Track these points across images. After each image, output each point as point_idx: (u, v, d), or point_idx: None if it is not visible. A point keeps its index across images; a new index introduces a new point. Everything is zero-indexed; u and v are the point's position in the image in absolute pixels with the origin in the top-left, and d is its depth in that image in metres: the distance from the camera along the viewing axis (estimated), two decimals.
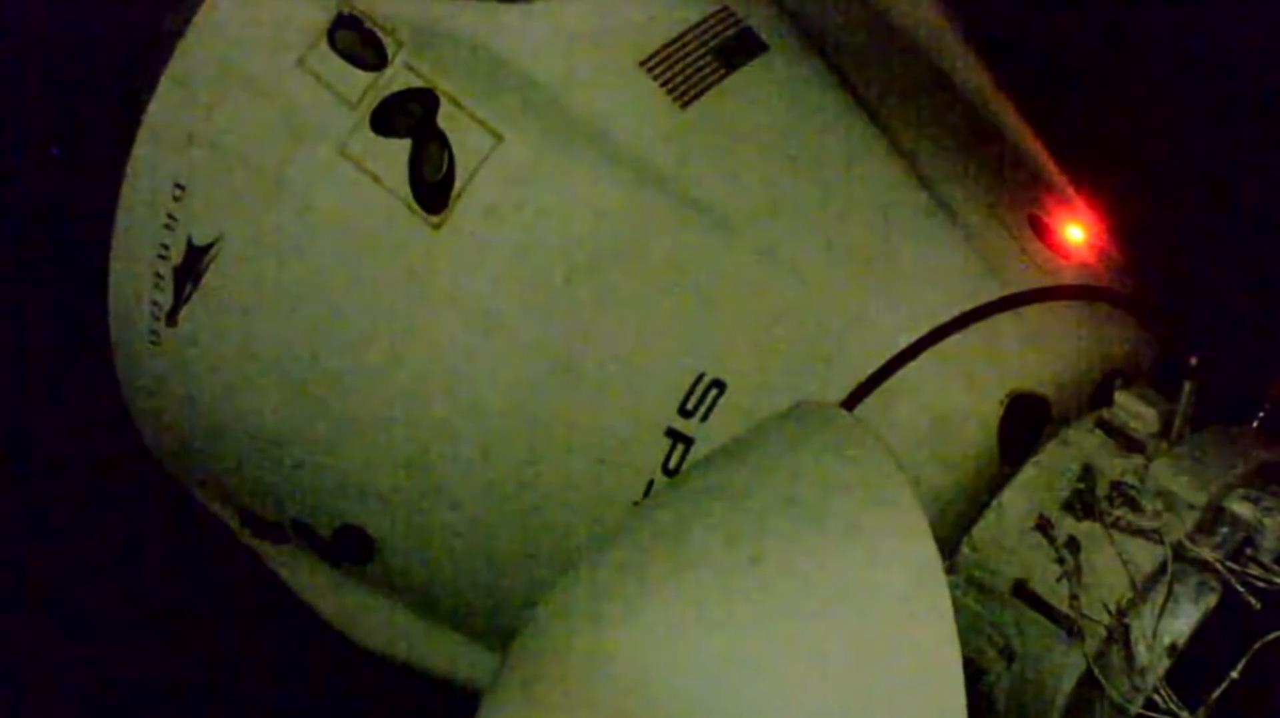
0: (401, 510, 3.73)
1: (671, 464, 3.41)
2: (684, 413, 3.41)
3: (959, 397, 3.37)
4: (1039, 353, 3.43)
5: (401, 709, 4.45)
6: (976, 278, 3.47)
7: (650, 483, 3.44)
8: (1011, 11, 4.67)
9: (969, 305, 3.43)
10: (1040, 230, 3.64)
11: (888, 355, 3.38)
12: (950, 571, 3.33)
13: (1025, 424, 3.39)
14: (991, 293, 3.45)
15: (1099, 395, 3.47)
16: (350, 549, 3.89)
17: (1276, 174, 5.06)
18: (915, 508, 2.81)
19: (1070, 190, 3.84)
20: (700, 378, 3.41)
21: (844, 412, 3.27)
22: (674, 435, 3.42)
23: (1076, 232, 3.69)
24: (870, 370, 3.38)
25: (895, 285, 3.45)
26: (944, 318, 3.40)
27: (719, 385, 3.40)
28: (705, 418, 3.40)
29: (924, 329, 3.39)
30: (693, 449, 3.40)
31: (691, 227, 3.47)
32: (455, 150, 3.53)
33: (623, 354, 3.45)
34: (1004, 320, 3.43)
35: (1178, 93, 5.24)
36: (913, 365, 3.38)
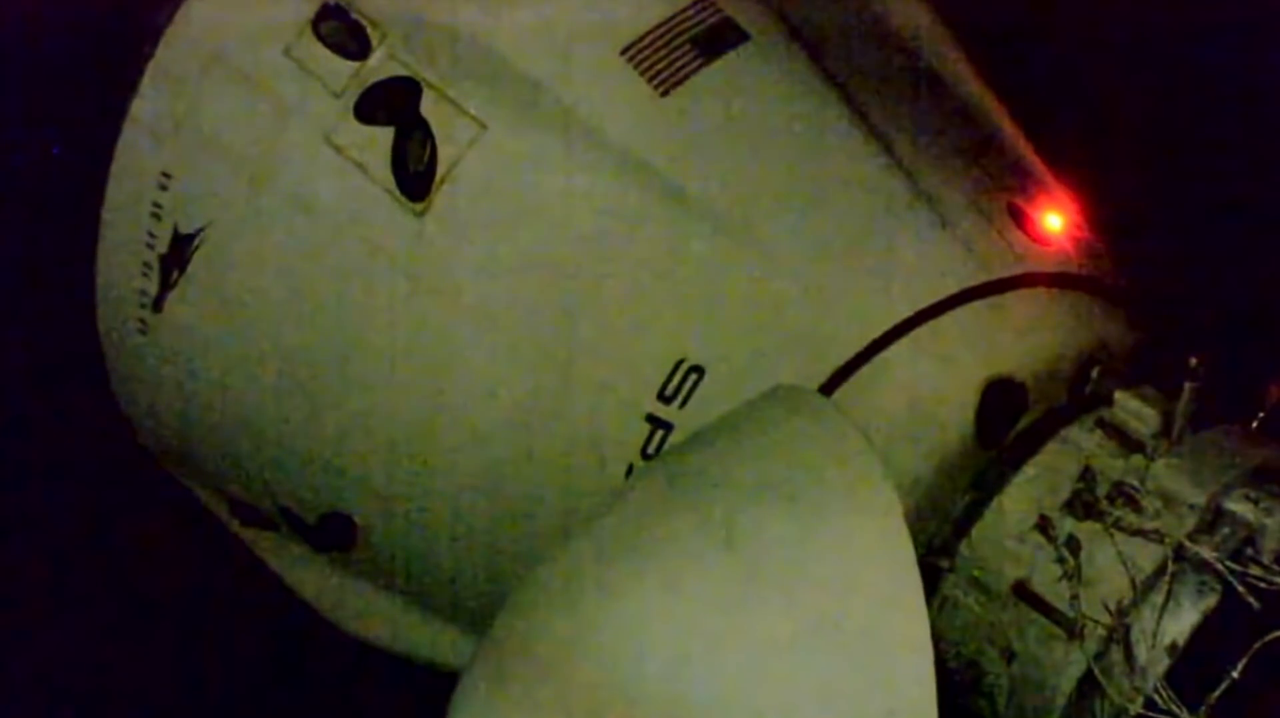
0: (385, 496, 3.76)
1: (651, 449, 3.44)
2: (663, 398, 3.43)
3: (937, 382, 3.40)
4: (1017, 339, 3.45)
5: (389, 695, 4.44)
6: (955, 265, 3.50)
7: (630, 468, 3.47)
8: (1001, 5, 4.69)
9: (947, 292, 3.46)
10: (1019, 218, 3.66)
11: (866, 341, 3.41)
12: (950, 570, 3.34)
13: (1003, 409, 3.41)
14: (969, 279, 3.48)
15: (1077, 382, 3.50)
16: (335, 535, 3.92)
17: (1276, 173, 5.06)
18: (888, 490, 2.83)
19: (1050, 178, 3.86)
20: (680, 363, 3.43)
21: (818, 395, 3.29)
22: (653, 421, 3.44)
23: (1055, 219, 3.71)
24: (849, 356, 3.40)
25: (874, 272, 3.48)
26: (922, 304, 3.43)
27: (698, 371, 3.43)
28: (684, 403, 3.42)
29: (902, 315, 3.42)
30: (672, 434, 3.43)
31: (671, 213, 3.50)
32: (438, 139, 3.56)
33: (603, 340, 3.49)
34: (982, 307, 3.46)
35: (1177, 92, 5.24)
36: (891, 351, 3.40)
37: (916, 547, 3.24)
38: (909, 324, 3.41)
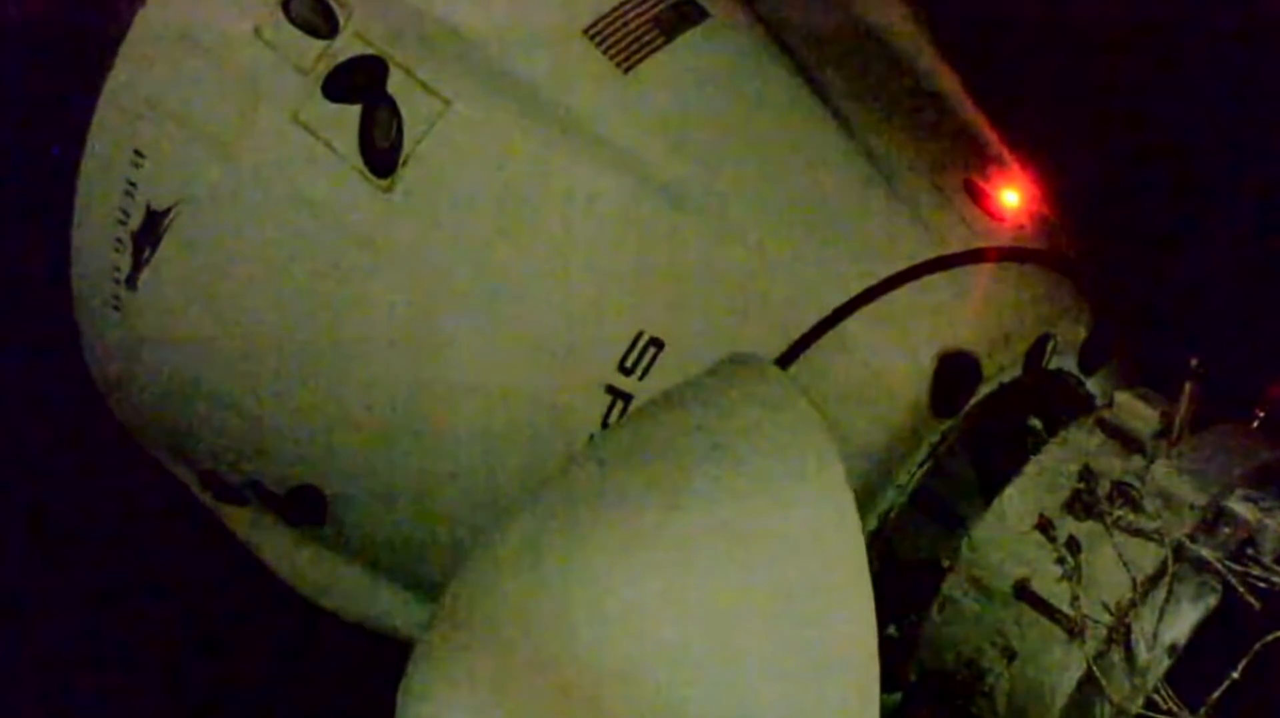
0: (352, 469, 3.80)
1: (611, 420, 3.49)
2: (623, 370, 3.48)
3: (893, 354, 3.45)
4: (971, 312, 3.51)
5: (364, 669, 4.43)
6: (911, 239, 3.54)
7: (591, 439, 3.50)
8: None
9: (903, 265, 3.50)
10: (975, 194, 3.70)
11: (824, 313, 3.45)
12: (950, 570, 3.35)
13: (957, 381, 3.46)
14: (925, 253, 3.52)
15: (1033, 355, 3.55)
16: (305, 508, 3.95)
17: (1276, 173, 5.07)
18: (833, 457, 2.88)
19: (1007, 156, 3.90)
20: (639, 336, 3.47)
21: (768, 363, 3.34)
22: (613, 392, 3.49)
23: (1012, 196, 3.74)
24: (806, 328, 3.45)
25: (831, 246, 3.53)
26: (879, 277, 3.48)
27: (657, 344, 3.47)
28: (644, 375, 3.47)
29: (859, 288, 3.47)
30: (631, 406, 3.47)
31: (632, 189, 3.54)
32: (404, 116, 3.61)
33: (565, 313, 3.53)
34: (937, 280, 3.50)
35: (1139, 72, 5.26)
36: (847, 323, 3.45)
37: (872, 516, 3.37)
38: (865, 297, 3.46)
